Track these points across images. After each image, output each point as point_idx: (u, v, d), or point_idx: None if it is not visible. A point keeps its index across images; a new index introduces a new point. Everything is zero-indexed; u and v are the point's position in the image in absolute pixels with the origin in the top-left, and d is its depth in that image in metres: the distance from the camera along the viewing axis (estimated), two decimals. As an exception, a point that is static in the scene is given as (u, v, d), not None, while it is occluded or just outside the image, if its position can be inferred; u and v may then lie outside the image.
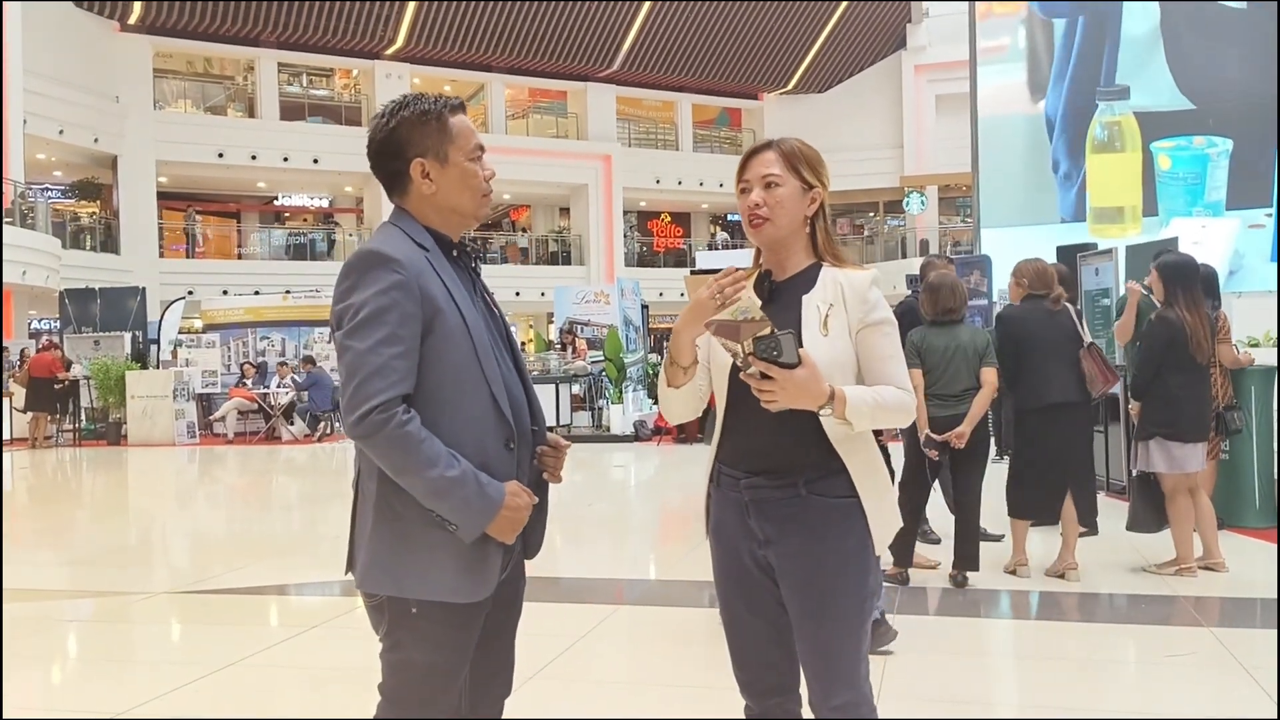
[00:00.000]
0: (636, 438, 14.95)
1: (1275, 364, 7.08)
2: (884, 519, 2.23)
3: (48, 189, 25.27)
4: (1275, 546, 6.26)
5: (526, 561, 2.31)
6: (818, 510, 2.18)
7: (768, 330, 1.99)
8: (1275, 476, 6.95)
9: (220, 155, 25.72)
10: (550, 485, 2.29)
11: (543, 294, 25.67)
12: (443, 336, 2.06)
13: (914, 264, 26.40)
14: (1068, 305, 5.74)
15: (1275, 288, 9.78)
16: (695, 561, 6.38)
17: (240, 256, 28.22)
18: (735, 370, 2.16)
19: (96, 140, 23.93)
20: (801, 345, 2.04)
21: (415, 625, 2.08)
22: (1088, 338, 5.78)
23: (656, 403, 14.81)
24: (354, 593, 5.71)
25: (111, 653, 4.94)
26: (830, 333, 2.18)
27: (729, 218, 34.43)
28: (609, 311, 18.14)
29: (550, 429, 2.32)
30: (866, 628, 2.23)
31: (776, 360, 2.00)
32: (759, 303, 2.04)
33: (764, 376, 2.02)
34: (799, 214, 2.26)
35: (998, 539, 6.24)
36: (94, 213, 25.86)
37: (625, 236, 31.46)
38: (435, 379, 2.05)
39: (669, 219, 34.43)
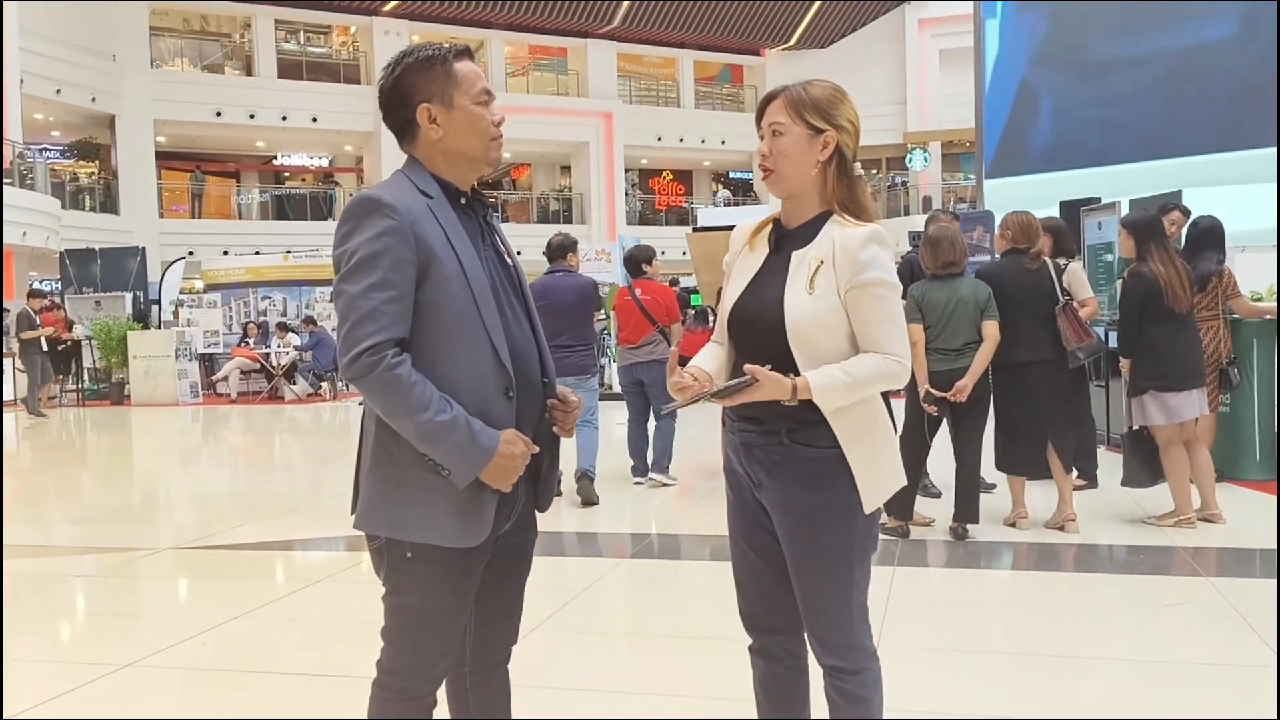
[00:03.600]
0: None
1: (1276, 317, 7.06)
2: (876, 475, 2.19)
3: (46, 149, 25.18)
4: (1275, 498, 6.30)
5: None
6: (801, 460, 2.19)
7: (720, 386, 2.15)
8: (1275, 429, 6.96)
9: (218, 114, 25.58)
10: (561, 439, 2.31)
11: (544, 253, 25.59)
12: (438, 284, 2.06)
13: (916, 220, 26.31)
14: (1048, 262, 5.75)
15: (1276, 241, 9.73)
16: (698, 516, 6.42)
17: (240, 216, 28.13)
18: (736, 314, 2.27)
19: (94, 100, 23.79)
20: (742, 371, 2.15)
21: (412, 569, 2.10)
22: (1083, 295, 5.80)
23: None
24: (357, 548, 5.75)
25: (117, 607, 4.99)
26: (816, 291, 2.16)
27: (731, 175, 34.24)
28: (610, 270, 18.07)
29: None
30: (856, 577, 2.23)
31: (735, 391, 2.13)
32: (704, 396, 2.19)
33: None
34: (806, 161, 2.23)
35: (991, 488, 6.26)
36: (93, 173, 25.78)
37: (627, 195, 31.32)
38: (432, 325, 2.06)
39: (670, 177, 34.26)
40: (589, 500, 6.80)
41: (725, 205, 28.64)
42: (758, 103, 2.32)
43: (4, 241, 17.05)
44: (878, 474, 2.20)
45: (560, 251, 7.15)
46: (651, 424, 7.69)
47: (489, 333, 2.09)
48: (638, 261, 7.67)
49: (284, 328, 17.61)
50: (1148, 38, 17.45)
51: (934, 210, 7.79)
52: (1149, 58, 17.49)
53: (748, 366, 2.11)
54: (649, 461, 7.56)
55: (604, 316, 16.76)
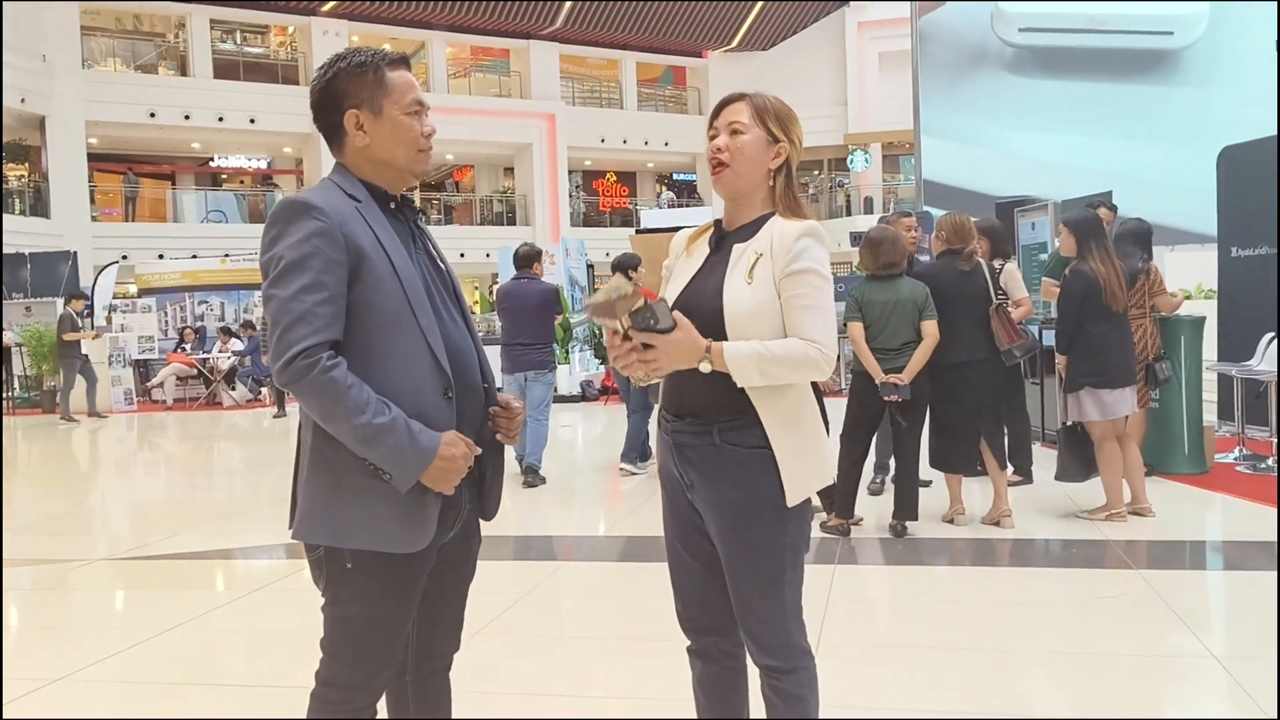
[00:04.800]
0: (583, 397, 14.98)
1: (1204, 315, 7.26)
2: (801, 472, 2.20)
3: (-28, 152, 24.47)
4: (1202, 491, 6.48)
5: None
6: (732, 459, 2.20)
7: (641, 303, 2.09)
8: (1203, 424, 7.14)
9: (152, 115, 25.03)
10: (505, 447, 2.30)
11: (487, 255, 25.44)
12: (371, 284, 2.04)
13: (858, 220, 26.57)
14: (981, 263, 5.85)
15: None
16: (641, 517, 6.44)
17: (176, 219, 27.58)
18: (676, 310, 2.23)
19: (24, 100, 23.16)
20: (673, 310, 2.14)
21: (352, 579, 2.08)
22: (1018, 295, 5.93)
23: (603, 363, 14.74)
24: (296, 556, 5.66)
25: (50, 620, 4.88)
26: (755, 281, 2.20)
27: (674, 177, 34.33)
28: (554, 272, 18.03)
29: (499, 389, 2.31)
30: (789, 576, 2.25)
31: (653, 328, 2.09)
32: (628, 281, 2.13)
33: (646, 346, 2.12)
34: (760, 164, 2.28)
35: (926, 484, 6.37)
36: (22, 175, 25.09)
37: (570, 196, 31.24)
38: (366, 327, 2.04)
39: (614, 178, 34.23)
40: (531, 484, 7.52)
41: (669, 207, 28.77)
42: (713, 104, 2.37)
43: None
44: (803, 469, 2.21)
45: (526, 261, 7.97)
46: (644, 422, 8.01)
47: (424, 332, 2.07)
48: (624, 269, 8.25)
49: (227, 332, 17.32)
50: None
51: (893, 213, 7.89)
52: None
53: (676, 314, 2.12)
54: (620, 453, 8.16)
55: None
